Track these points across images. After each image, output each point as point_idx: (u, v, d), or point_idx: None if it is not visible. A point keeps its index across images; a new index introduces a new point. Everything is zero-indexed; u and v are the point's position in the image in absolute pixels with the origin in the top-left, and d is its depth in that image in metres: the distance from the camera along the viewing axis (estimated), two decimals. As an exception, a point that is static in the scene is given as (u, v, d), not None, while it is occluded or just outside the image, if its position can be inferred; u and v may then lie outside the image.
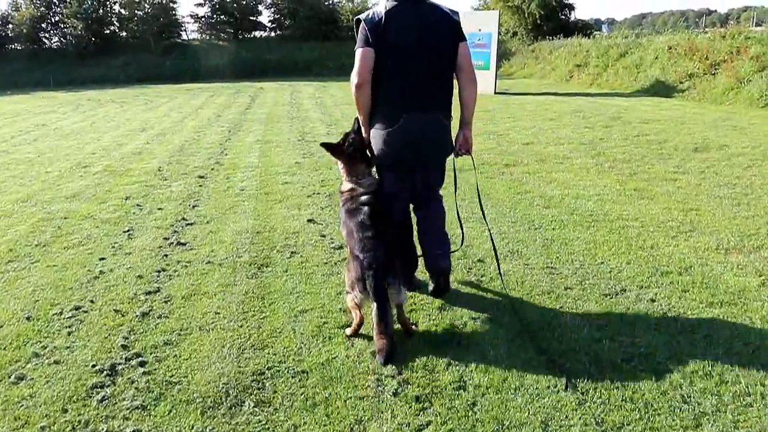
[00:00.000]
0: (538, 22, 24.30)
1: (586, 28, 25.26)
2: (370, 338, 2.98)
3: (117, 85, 24.06)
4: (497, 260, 3.70)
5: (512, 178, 6.52)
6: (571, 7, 25.73)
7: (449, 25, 3.16)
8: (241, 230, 4.94)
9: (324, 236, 4.72)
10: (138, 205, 5.83)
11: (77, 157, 8.46)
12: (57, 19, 28.36)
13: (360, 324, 3.05)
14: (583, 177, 6.53)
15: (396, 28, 3.08)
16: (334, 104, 14.09)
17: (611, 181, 6.31)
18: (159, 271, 4.10)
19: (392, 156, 3.20)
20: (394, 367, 2.73)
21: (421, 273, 3.59)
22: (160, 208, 5.68)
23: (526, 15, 24.29)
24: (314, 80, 22.99)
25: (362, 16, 3.16)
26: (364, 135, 3.22)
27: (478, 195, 4.00)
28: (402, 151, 3.19)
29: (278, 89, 19.72)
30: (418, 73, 3.11)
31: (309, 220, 5.13)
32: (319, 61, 26.71)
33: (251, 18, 30.17)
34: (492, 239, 3.94)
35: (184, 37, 30.21)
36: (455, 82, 3.26)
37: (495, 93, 15.74)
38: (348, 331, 3.07)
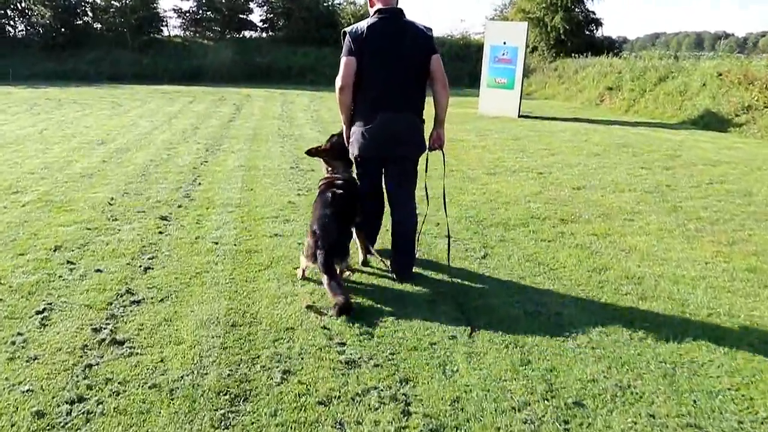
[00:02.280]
0: (562, 37, 23.37)
1: (614, 46, 24.34)
2: None
3: (85, 82, 22.76)
4: (449, 251, 4.52)
5: (576, 243, 5.26)
6: (598, 23, 24.89)
7: (422, 39, 4.01)
8: (208, 319, 3.61)
9: (332, 338, 3.40)
10: (69, 262, 4.49)
11: (9, 178, 7.11)
12: (24, 5, 27.08)
13: (303, 271, 4.09)
14: (669, 245, 5.29)
15: (376, 41, 3.94)
16: (333, 120, 12.86)
17: (709, 254, 5.07)
18: (70, 404, 2.74)
19: (371, 148, 4.05)
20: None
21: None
22: (98, 270, 4.34)
23: (549, 29, 23.36)
24: (309, 89, 21.91)
25: (348, 29, 3.99)
26: (345, 133, 4.13)
27: (444, 198, 4.75)
28: (379, 142, 4.02)
29: (268, 98, 18.67)
30: (393, 79, 3.97)
31: (309, 306, 3.80)
32: (315, 67, 25.73)
33: (241, 16, 29.11)
34: (449, 232, 4.71)
35: (165, 33, 29.08)
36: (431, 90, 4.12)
37: (519, 116, 14.59)
38: (298, 273, 4.12)
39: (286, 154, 9.13)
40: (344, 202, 4.02)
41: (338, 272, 3.87)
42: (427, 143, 4.27)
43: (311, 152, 4.34)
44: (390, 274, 4.28)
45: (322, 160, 4.36)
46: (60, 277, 4.22)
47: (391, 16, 4.09)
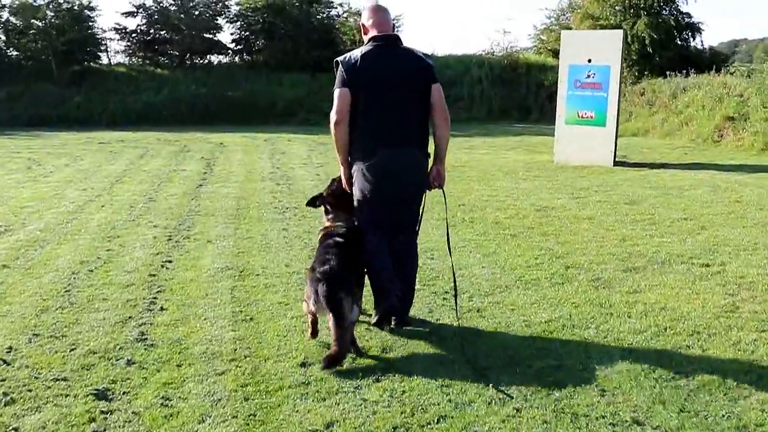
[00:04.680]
0: (648, 49, 22.38)
1: (720, 60, 23.27)
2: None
3: (-6, 129, 21.68)
4: (455, 295, 5.27)
5: None
6: (695, 29, 23.93)
7: (422, 68, 4.83)
8: None
9: None
10: None
11: None
12: None
13: (314, 324, 4.72)
14: None
15: (371, 70, 4.71)
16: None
17: None
18: None
19: (372, 189, 4.80)
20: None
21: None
22: None
23: (629, 39, 22.32)
24: (303, 131, 21.05)
25: (340, 59, 4.81)
26: (343, 174, 4.96)
27: (447, 235, 5.65)
28: (381, 183, 4.77)
29: (248, 146, 17.76)
30: (391, 111, 4.73)
31: None
32: (308, 101, 25.21)
33: (205, 36, 28.38)
34: (453, 273, 5.32)
35: (105, 60, 28.99)
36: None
37: (615, 164, 13.25)
38: (307, 335, 4.79)
39: (293, 240, 7.64)
40: (346, 250, 4.71)
41: (354, 318, 4.49)
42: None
43: (313, 203, 5.21)
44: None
45: (323, 210, 5.15)
46: None
47: (388, 44, 4.80)
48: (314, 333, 4.74)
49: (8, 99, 25.04)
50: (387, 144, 4.73)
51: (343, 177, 4.99)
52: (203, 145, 17.90)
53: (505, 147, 17.12)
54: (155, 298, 5.83)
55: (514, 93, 25.82)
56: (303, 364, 4.46)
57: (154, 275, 6.48)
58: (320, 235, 5.04)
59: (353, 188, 4.91)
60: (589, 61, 13.60)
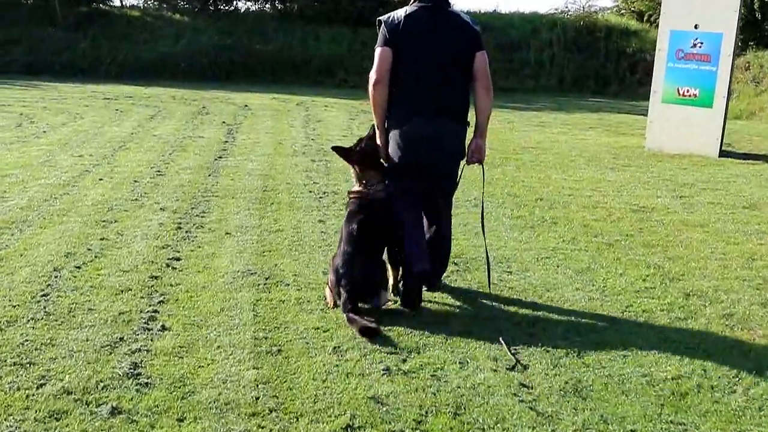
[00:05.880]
0: (756, 15, 21.22)
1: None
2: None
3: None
4: (488, 270, 5.57)
5: None
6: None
7: (468, 33, 5.11)
8: None
9: None
10: None
11: None
12: None
13: (334, 301, 5.18)
14: None
15: (414, 32, 5.01)
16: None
17: None
18: None
19: (406, 156, 5.13)
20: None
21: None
22: None
23: (734, 4, 21.25)
24: (342, 95, 20.51)
25: (383, 18, 5.10)
26: (379, 138, 5.24)
27: (482, 213, 5.76)
28: (415, 151, 5.12)
29: (278, 110, 17.07)
30: (431, 78, 5.05)
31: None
32: (349, 59, 24.60)
33: (233, -22, 28.03)
34: (486, 253, 5.63)
35: (116, 1, 28.64)
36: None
37: (720, 155, 12.36)
38: (329, 302, 5.25)
39: (332, 237, 6.92)
40: (372, 232, 5.11)
41: (379, 304, 5.14)
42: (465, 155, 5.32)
43: (341, 152, 5.40)
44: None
45: (352, 167, 5.32)
46: None
47: (434, 5, 5.08)
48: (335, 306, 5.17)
49: (4, 42, 24.73)
50: (423, 112, 5.07)
51: (379, 141, 5.26)
52: (225, 107, 17.28)
53: (583, 125, 16.21)
54: (156, 311, 5.15)
55: (590, 60, 24.77)
56: (348, 427, 3.70)
57: (156, 277, 5.82)
58: (350, 201, 5.34)
59: (387, 153, 5.25)
60: (696, 26, 12.64)
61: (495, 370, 4.39)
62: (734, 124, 17.36)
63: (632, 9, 27.70)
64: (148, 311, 5.13)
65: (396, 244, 5.32)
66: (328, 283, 5.27)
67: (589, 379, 4.31)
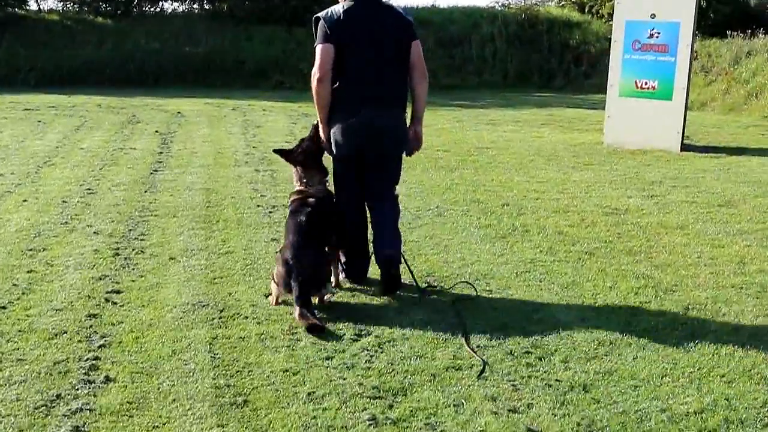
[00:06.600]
0: (702, 3, 21.31)
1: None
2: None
3: None
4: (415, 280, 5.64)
5: None
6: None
7: (403, 25, 5.43)
8: None
9: None
10: None
11: None
12: None
13: (277, 302, 5.30)
14: None
15: (354, 27, 5.27)
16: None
17: None
18: None
19: (352, 147, 5.41)
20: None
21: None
22: None
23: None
24: (278, 97, 20.08)
25: (321, 14, 5.33)
26: (322, 133, 5.50)
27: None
28: (362, 142, 5.39)
29: (214, 116, 16.52)
30: (375, 68, 5.32)
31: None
32: (284, 61, 24.32)
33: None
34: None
35: (32, 5, 28.00)
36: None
37: (682, 149, 12.18)
38: (271, 300, 5.34)
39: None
40: (319, 224, 5.32)
41: (319, 300, 5.27)
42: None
43: (282, 154, 5.76)
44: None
45: (293, 168, 5.63)
46: None
47: (369, 0, 5.42)
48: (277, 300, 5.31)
49: None
50: (370, 103, 5.30)
51: (322, 136, 5.51)
52: (156, 114, 16.70)
53: (534, 122, 15.95)
54: (97, 357, 4.56)
55: (533, 54, 24.76)
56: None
57: (95, 316, 5.21)
58: (292, 201, 5.54)
59: (331, 147, 5.49)
60: (653, 16, 12.51)
61: (495, 413, 3.91)
62: (690, 116, 17.36)
63: (573, 0, 27.68)
64: (87, 358, 4.53)
65: (340, 236, 5.60)
66: (273, 278, 5.30)
67: (603, 419, 3.86)
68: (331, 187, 5.73)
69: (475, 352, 4.54)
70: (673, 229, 7.57)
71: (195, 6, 28.93)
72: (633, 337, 4.90)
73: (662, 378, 4.32)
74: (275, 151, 5.83)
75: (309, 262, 5.11)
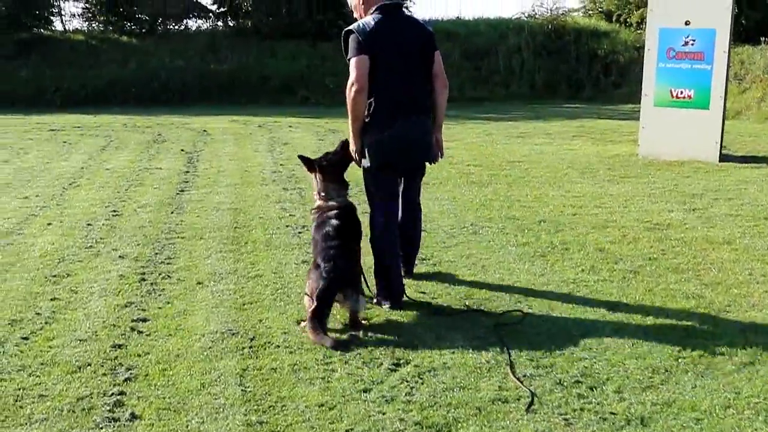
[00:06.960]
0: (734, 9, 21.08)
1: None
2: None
3: None
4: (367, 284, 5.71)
5: None
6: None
7: (426, 36, 5.68)
8: None
9: None
10: None
11: None
12: None
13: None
14: None
15: (387, 38, 5.42)
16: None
17: None
18: None
19: (389, 159, 5.55)
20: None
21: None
22: None
23: None
24: (304, 114, 19.82)
25: (353, 27, 5.45)
26: (353, 145, 5.55)
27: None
28: (398, 154, 5.57)
29: (240, 134, 16.39)
30: (406, 80, 5.52)
31: None
32: (309, 76, 24.19)
33: (180, -1, 27.62)
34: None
35: (58, 26, 27.95)
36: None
37: (720, 159, 11.87)
38: (302, 324, 5.16)
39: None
40: (345, 230, 5.37)
41: (354, 322, 5.23)
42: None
43: (307, 161, 5.70)
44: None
45: (315, 179, 5.65)
46: None
47: (396, 11, 5.67)
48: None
49: (-61, 74, 24.00)
50: (404, 113, 5.48)
51: (354, 148, 5.56)
52: (182, 133, 16.63)
53: (566, 135, 15.67)
54: (122, 392, 4.37)
55: (561, 65, 24.44)
56: None
57: (120, 346, 5.03)
58: (315, 216, 5.56)
59: (364, 160, 5.56)
60: (688, 23, 12.14)
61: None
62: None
63: (600, 9, 27.35)
64: (112, 393, 4.34)
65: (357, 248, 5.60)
66: (306, 293, 5.31)
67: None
68: (351, 199, 5.81)
69: (522, 383, 4.32)
70: (719, 245, 7.28)
71: (219, 23, 28.99)
72: (689, 364, 4.63)
73: (726, 409, 4.05)
74: (300, 156, 5.80)
75: (339, 262, 5.17)
